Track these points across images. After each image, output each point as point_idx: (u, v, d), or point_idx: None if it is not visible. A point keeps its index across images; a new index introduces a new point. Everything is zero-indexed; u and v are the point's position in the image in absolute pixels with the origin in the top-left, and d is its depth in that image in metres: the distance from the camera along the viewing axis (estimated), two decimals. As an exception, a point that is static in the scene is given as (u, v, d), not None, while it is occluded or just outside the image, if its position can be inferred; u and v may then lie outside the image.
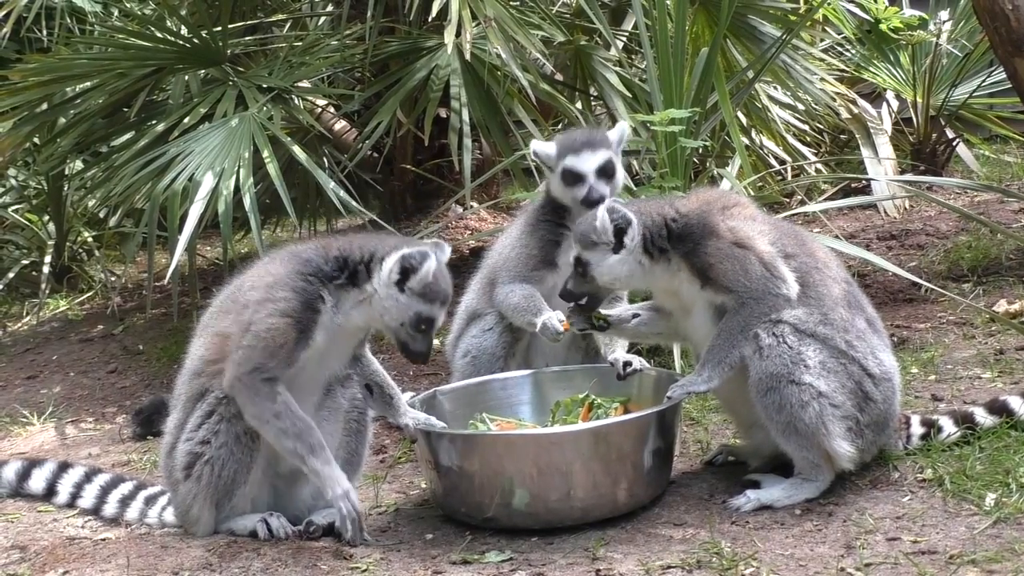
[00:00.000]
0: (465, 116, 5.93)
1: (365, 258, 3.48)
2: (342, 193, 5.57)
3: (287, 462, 3.49)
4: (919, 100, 7.70)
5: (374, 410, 3.74)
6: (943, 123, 7.76)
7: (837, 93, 7.40)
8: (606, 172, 4.07)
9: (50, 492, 4.08)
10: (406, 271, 3.42)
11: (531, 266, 4.15)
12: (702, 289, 3.57)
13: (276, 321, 3.37)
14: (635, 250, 3.58)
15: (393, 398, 3.71)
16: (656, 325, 3.81)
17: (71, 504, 4.01)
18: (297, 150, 5.62)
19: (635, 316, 3.81)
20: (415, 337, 3.50)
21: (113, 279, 7.62)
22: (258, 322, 3.38)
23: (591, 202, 3.97)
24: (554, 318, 3.98)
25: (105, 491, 3.94)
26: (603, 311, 3.80)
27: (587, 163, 4.06)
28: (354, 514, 3.37)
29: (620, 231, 3.55)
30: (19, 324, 7.12)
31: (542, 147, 4.20)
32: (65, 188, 7.50)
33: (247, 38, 6.92)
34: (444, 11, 5.44)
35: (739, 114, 6.30)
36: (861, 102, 7.86)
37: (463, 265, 6.24)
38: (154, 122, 6.11)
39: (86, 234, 7.93)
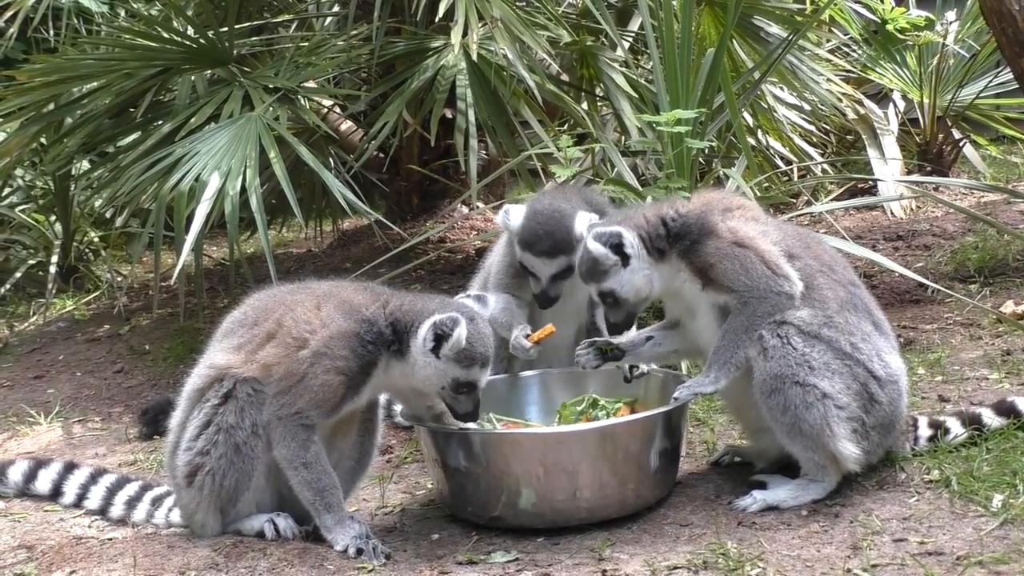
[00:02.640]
0: (471, 116, 5.93)
1: (410, 325, 3.46)
2: (348, 193, 5.56)
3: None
4: (926, 101, 7.68)
5: None
6: (950, 124, 7.74)
7: (843, 94, 7.37)
8: (563, 275, 4.08)
9: (56, 493, 4.10)
10: (439, 337, 3.40)
11: (511, 273, 4.25)
12: (703, 290, 3.57)
13: (331, 378, 3.39)
14: (641, 255, 3.58)
15: None
16: (671, 343, 3.79)
17: (77, 505, 4.03)
18: (303, 150, 5.60)
19: (648, 339, 3.79)
20: (458, 399, 3.49)
21: (119, 279, 7.63)
22: (312, 375, 3.39)
23: (542, 301, 4.10)
24: (520, 336, 4.04)
25: (111, 492, 3.95)
26: (615, 340, 3.80)
27: (544, 269, 4.08)
28: (370, 552, 3.33)
29: (617, 247, 3.56)
30: (26, 324, 7.12)
31: (511, 217, 4.13)
32: (72, 188, 7.51)
33: (253, 38, 6.91)
34: (450, 12, 5.44)
35: (745, 114, 6.29)
36: (867, 103, 7.84)
37: (468, 266, 6.26)
38: (160, 122, 6.10)
39: (92, 234, 7.94)
